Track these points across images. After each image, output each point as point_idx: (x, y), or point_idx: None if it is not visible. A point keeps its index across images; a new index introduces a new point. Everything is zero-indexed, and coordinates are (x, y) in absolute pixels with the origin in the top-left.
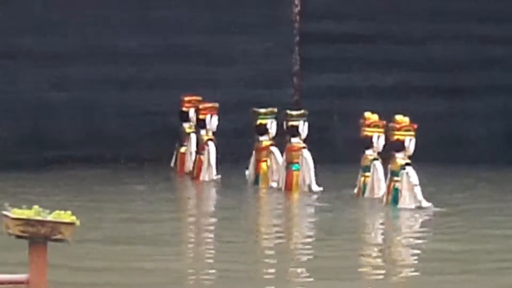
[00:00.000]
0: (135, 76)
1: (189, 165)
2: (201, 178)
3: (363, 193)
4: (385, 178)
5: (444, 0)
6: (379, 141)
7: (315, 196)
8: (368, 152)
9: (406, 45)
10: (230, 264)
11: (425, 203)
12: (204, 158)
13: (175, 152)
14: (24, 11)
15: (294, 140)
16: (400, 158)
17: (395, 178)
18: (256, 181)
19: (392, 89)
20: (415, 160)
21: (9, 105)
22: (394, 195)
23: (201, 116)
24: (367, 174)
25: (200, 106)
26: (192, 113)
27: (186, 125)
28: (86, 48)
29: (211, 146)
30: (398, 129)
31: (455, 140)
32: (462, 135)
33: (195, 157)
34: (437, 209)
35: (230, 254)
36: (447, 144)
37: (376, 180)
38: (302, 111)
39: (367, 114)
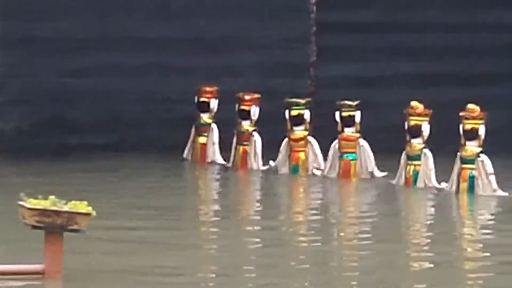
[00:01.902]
0: (153, 62)
1: (211, 155)
2: (248, 167)
3: (414, 181)
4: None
5: None
6: (427, 130)
7: (373, 184)
8: (416, 141)
9: (423, 33)
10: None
11: (500, 192)
12: (250, 148)
13: (190, 142)
14: None
15: (348, 130)
16: (474, 146)
17: (468, 166)
18: (295, 170)
19: (409, 78)
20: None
21: (29, 91)
22: (470, 183)
23: (244, 107)
24: (416, 162)
25: (246, 97)
26: (213, 103)
27: (205, 116)
28: (106, 35)
29: (257, 137)
30: (473, 118)
31: None
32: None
33: (236, 148)
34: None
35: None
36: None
37: (428, 169)
38: (357, 102)
39: (414, 103)
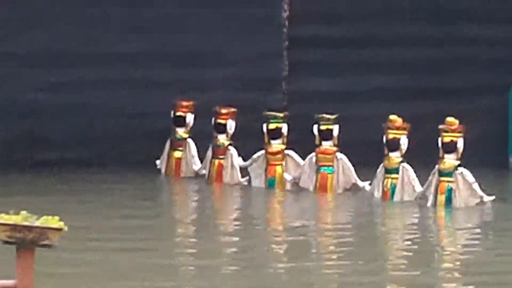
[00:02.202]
0: (124, 77)
1: (192, 168)
2: (224, 181)
3: (392, 195)
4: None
5: (430, 2)
6: (405, 143)
7: (351, 198)
8: (394, 154)
9: (393, 48)
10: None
11: (487, 198)
12: (226, 162)
13: (166, 157)
14: (13, 12)
15: (326, 143)
16: (452, 159)
17: (446, 179)
18: (271, 184)
19: (381, 92)
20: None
21: (1, 106)
22: (448, 196)
23: (221, 121)
24: (393, 176)
25: (222, 111)
26: (189, 118)
27: (180, 130)
28: (75, 50)
29: (233, 150)
30: (452, 131)
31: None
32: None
33: (212, 162)
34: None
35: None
36: (433, 147)
37: (409, 182)
38: (336, 115)
39: (393, 117)
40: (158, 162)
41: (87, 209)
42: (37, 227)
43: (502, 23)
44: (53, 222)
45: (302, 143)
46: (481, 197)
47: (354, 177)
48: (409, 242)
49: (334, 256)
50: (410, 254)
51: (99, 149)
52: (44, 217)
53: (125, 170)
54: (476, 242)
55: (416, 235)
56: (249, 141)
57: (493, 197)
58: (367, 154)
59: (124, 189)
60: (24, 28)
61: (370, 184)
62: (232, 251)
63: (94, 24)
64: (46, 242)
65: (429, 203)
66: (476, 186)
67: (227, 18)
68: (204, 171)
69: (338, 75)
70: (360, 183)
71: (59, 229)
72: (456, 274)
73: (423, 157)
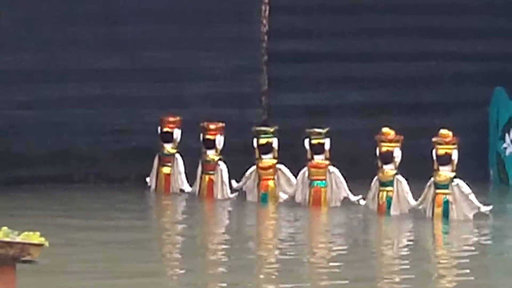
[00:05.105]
0: (102, 94)
1: (177, 185)
2: (214, 197)
3: (388, 208)
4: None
5: (409, 16)
6: (398, 156)
7: (346, 212)
8: (389, 167)
9: (372, 62)
10: None
11: (484, 208)
12: (216, 177)
13: (155, 173)
14: None
15: (318, 157)
16: (447, 171)
17: (442, 191)
18: (264, 199)
19: (359, 107)
20: None
21: None
22: (445, 208)
23: (210, 137)
24: (388, 189)
25: (211, 126)
26: (176, 133)
27: (168, 146)
28: (53, 66)
29: (223, 166)
30: (447, 143)
31: (421, 157)
32: (428, 153)
33: (202, 177)
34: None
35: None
36: (412, 161)
37: (403, 194)
38: (327, 129)
39: (385, 129)
40: (148, 179)
41: (64, 225)
42: (18, 243)
43: (482, 38)
44: (34, 238)
45: (284, 157)
46: (478, 208)
47: (346, 191)
48: (405, 263)
49: (328, 277)
50: (407, 277)
51: (74, 166)
52: (25, 232)
53: (103, 187)
54: (472, 260)
55: (413, 255)
56: (233, 156)
57: (490, 207)
58: (354, 168)
59: (110, 206)
60: None
61: (362, 199)
62: (222, 271)
63: (67, 41)
64: (27, 257)
65: (426, 215)
66: (472, 197)
67: (206, 33)
68: (190, 189)
69: (318, 90)
70: (352, 197)
71: (40, 245)
72: None
73: (415, 169)
